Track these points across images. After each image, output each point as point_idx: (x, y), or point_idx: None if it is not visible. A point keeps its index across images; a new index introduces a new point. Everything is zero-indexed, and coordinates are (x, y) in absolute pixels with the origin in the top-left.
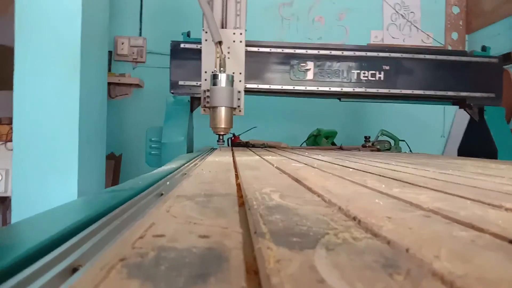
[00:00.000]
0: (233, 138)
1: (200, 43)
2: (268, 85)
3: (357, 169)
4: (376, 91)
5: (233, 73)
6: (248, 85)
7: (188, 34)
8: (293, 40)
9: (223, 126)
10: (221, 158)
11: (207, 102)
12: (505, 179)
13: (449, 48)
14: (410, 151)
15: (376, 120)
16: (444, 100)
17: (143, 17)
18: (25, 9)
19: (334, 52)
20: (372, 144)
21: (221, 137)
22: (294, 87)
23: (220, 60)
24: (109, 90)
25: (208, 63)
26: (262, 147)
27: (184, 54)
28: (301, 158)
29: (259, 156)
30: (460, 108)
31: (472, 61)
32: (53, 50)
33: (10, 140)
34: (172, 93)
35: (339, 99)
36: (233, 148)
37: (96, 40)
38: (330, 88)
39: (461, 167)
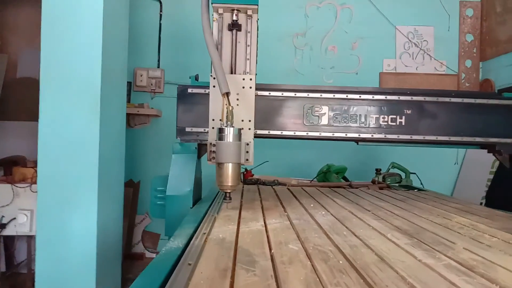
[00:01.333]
0: (245, 172)
1: (208, 87)
2: (280, 131)
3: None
4: (396, 137)
5: (242, 120)
6: (259, 131)
7: (196, 78)
8: (306, 69)
9: (229, 184)
10: (225, 232)
11: (213, 157)
12: None
13: (463, 75)
14: (421, 184)
15: (386, 149)
16: (471, 145)
17: (161, 49)
18: (49, 43)
19: (351, 96)
20: (383, 178)
21: (227, 195)
22: (307, 133)
23: (227, 112)
24: (128, 120)
25: (215, 110)
26: (272, 185)
27: (192, 99)
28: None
29: (264, 223)
30: (488, 152)
31: (502, 104)
32: (75, 84)
33: (35, 183)
34: (179, 139)
35: (357, 142)
36: (242, 198)
37: (116, 72)
38: (346, 134)
39: None
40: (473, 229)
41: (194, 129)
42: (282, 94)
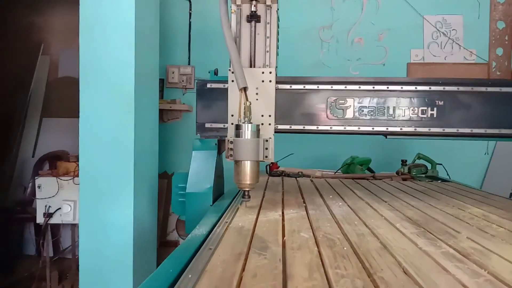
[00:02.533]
0: (271, 165)
1: (227, 81)
2: (302, 126)
3: None
4: (427, 131)
5: (262, 115)
6: (280, 126)
7: (216, 72)
8: (333, 61)
9: (248, 182)
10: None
11: (231, 154)
12: None
13: (494, 64)
14: (448, 175)
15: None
16: (510, 138)
17: (191, 46)
18: (87, 44)
19: (378, 87)
20: (409, 169)
21: (246, 193)
22: (331, 127)
23: (244, 108)
24: (162, 115)
25: (234, 105)
26: (297, 177)
27: (211, 95)
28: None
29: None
30: None
31: None
32: (111, 82)
33: (77, 176)
34: (198, 135)
35: (385, 136)
36: (264, 195)
37: (148, 71)
38: (373, 128)
39: None
40: (484, 220)
41: (214, 125)
42: (304, 87)
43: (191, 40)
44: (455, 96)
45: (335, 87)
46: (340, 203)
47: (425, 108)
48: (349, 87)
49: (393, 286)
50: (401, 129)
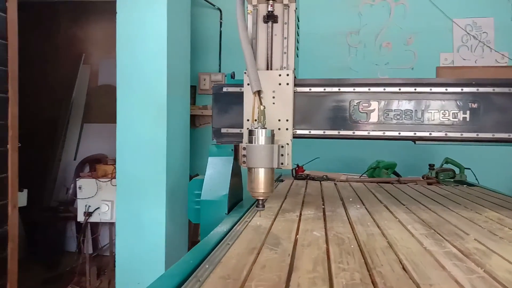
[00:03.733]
0: (297, 168)
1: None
2: (322, 131)
3: None
4: (459, 136)
5: (279, 120)
6: (298, 131)
7: (232, 76)
8: (360, 66)
9: (261, 191)
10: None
11: (244, 161)
12: None
13: None
14: (476, 180)
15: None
16: None
17: (221, 54)
18: (123, 54)
19: (404, 89)
20: (436, 174)
21: (260, 202)
22: (354, 132)
23: (258, 113)
24: (194, 120)
25: (250, 110)
26: (321, 180)
27: (227, 98)
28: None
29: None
30: None
31: None
32: (145, 89)
33: (114, 178)
34: (214, 141)
35: (414, 142)
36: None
37: (179, 78)
38: (400, 133)
39: None
40: (497, 223)
41: (230, 130)
42: (325, 89)
43: (221, 48)
44: (490, 98)
45: (358, 89)
46: (358, 206)
47: (457, 111)
48: (373, 89)
49: (388, 279)
50: (430, 134)
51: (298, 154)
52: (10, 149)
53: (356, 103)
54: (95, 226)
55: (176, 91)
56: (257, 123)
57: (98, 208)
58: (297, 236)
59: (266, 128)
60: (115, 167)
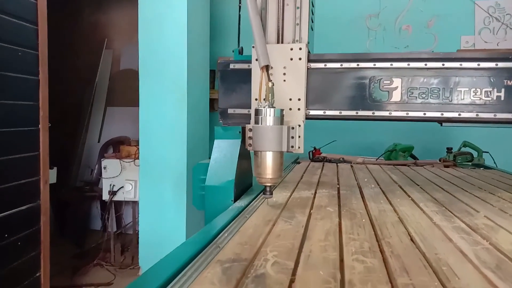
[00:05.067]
0: (314, 151)
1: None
2: (339, 111)
3: None
4: (493, 117)
5: (290, 99)
6: (312, 112)
7: (240, 51)
8: (380, 50)
9: (269, 176)
10: (279, 197)
11: (250, 144)
12: None
13: None
14: (495, 163)
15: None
16: None
17: (240, 38)
18: (145, 39)
19: (431, 64)
20: (454, 157)
21: (268, 189)
22: (373, 113)
23: (266, 90)
24: (213, 104)
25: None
26: (338, 162)
27: (234, 77)
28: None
29: (314, 192)
30: None
31: None
32: (167, 74)
33: (137, 158)
34: (221, 122)
35: (440, 123)
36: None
37: (199, 63)
38: (425, 114)
39: None
40: (509, 202)
41: (238, 111)
42: (342, 65)
43: (240, 32)
44: None
45: (379, 64)
46: (373, 186)
47: (490, 89)
48: (396, 64)
49: (396, 248)
50: (459, 114)
51: (315, 137)
52: (41, 128)
53: (377, 80)
54: (119, 205)
55: (196, 75)
56: (264, 102)
57: (122, 187)
58: (311, 211)
59: (274, 107)
60: (138, 148)
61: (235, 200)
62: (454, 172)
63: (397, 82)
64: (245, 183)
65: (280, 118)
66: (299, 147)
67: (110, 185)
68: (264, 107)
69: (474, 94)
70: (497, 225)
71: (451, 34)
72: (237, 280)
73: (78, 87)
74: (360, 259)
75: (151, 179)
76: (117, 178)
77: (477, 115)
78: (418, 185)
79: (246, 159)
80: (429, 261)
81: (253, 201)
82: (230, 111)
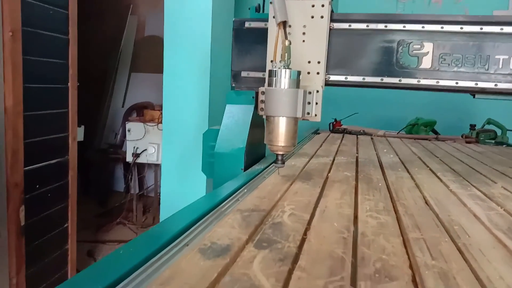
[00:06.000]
0: (334, 123)
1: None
2: (362, 77)
3: None
4: None
5: (309, 62)
6: (332, 77)
7: (258, 9)
8: None
9: (281, 144)
10: (297, 161)
11: (262, 108)
12: None
13: None
14: None
15: (484, 104)
16: None
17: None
18: (171, 6)
19: (467, 28)
20: (477, 134)
21: (279, 157)
22: (400, 80)
23: (282, 49)
24: None
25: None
26: (358, 134)
27: (249, 36)
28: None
29: (333, 159)
30: None
31: None
32: (191, 42)
33: (161, 122)
34: (233, 86)
35: (473, 95)
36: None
37: (223, 30)
38: (457, 83)
39: None
40: None
41: (252, 74)
42: (368, 26)
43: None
44: None
45: (409, 26)
46: (392, 155)
47: None
48: (428, 27)
49: (410, 208)
50: (496, 85)
51: (336, 109)
52: (71, 87)
53: (406, 44)
54: (142, 167)
55: (220, 42)
56: (280, 62)
57: (145, 150)
58: (329, 174)
59: (291, 69)
60: (161, 113)
61: (246, 169)
62: (475, 148)
63: (428, 47)
64: (257, 153)
65: (296, 81)
66: (316, 115)
67: (134, 147)
68: (279, 68)
69: None
70: None
71: (483, 8)
72: (255, 226)
73: (104, 52)
74: (374, 216)
75: (174, 143)
76: (141, 141)
77: None
78: (438, 157)
79: (259, 128)
80: (441, 221)
81: (265, 170)
82: (243, 74)
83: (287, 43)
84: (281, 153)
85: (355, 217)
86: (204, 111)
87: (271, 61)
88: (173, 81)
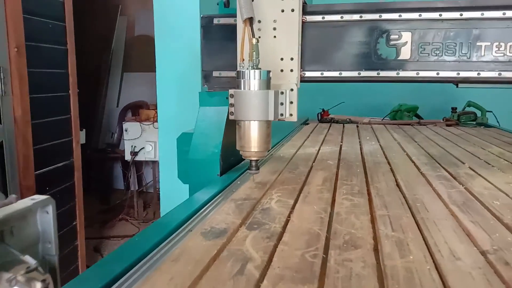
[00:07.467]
0: (322, 113)
1: None
2: (338, 72)
3: None
4: None
5: (282, 59)
6: (308, 74)
7: (226, 4)
8: None
9: (254, 150)
10: (285, 153)
11: (232, 112)
12: None
13: None
14: (498, 122)
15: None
16: None
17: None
18: (160, 4)
19: (446, 14)
20: (458, 117)
21: (253, 163)
22: (378, 73)
23: (250, 48)
24: None
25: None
26: (345, 123)
27: (219, 33)
28: None
29: (318, 149)
30: None
31: None
32: (182, 40)
33: (156, 121)
34: (205, 87)
35: (456, 85)
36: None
37: None
38: (438, 73)
39: None
40: (497, 156)
41: (224, 74)
42: (342, 17)
43: None
44: None
45: (386, 16)
46: (373, 143)
47: None
48: (406, 15)
49: (381, 190)
50: (478, 74)
51: (323, 99)
52: (71, 93)
53: (383, 34)
54: (140, 165)
55: None
56: (248, 62)
57: (143, 148)
58: (313, 163)
59: (260, 68)
60: (156, 112)
61: (222, 174)
62: (454, 131)
63: (406, 36)
64: (236, 155)
65: (267, 82)
66: (291, 115)
67: (132, 146)
68: (247, 68)
69: (497, 49)
70: (477, 174)
71: None
72: (247, 212)
73: (95, 54)
74: (349, 198)
75: (170, 140)
76: (138, 140)
77: (499, 74)
78: (416, 142)
79: (234, 131)
80: (407, 200)
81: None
82: (215, 74)
83: (254, 41)
84: (254, 159)
85: (333, 200)
86: (197, 107)
87: (243, 60)
88: (166, 80)
